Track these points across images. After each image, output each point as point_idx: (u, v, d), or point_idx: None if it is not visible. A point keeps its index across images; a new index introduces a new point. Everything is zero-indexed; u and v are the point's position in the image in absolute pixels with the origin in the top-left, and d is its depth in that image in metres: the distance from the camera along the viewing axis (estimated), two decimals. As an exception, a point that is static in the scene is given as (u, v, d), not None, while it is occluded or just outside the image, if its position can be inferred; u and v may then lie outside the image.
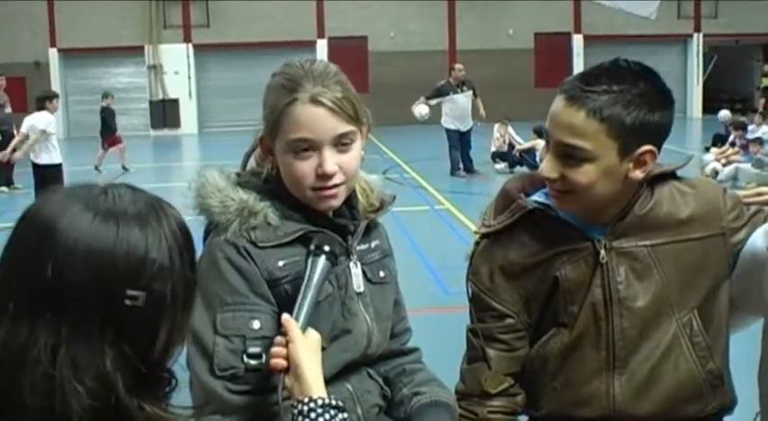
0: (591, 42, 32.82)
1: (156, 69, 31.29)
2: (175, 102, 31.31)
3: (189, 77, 31.33)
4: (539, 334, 2.26)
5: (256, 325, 2.01)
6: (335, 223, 2.16)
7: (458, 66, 18.83)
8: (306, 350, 1.85)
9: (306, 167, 2.05)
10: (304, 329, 1.90)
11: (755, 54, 35.46)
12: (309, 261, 1.99)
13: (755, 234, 2.17)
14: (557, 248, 2.19)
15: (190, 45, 31.32)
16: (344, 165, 2.07)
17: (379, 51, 31.42)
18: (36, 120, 13.04)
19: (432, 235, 11.95)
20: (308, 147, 2.04)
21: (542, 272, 2.21)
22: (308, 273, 1.97)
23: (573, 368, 2.22)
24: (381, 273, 2.27)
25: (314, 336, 1.91)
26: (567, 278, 2.18)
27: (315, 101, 2.02)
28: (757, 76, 30.69)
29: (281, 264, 2.06)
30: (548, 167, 2.10)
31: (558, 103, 2.09)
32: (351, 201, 2.22)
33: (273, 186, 2.14)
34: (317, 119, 2.03)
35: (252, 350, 1.99)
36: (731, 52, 33.66)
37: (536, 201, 2.23)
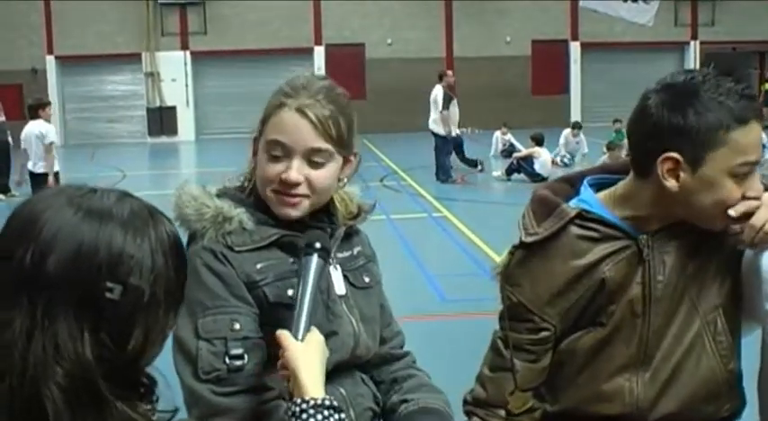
0: (588, 50, 32.88)
1: (153, 76, 31.27)
2: (173, 109, 31.30)
3: (186, 85, 31.32)
4: (572, 332, 2.24)
5: (237, 326, 2.06)
6: (312, 227, 2.19)
7: (449, 72, 18.91)
8: (302, 354, 1.87)
9: (273, 169, 2.13)
10: (307, 331, 1.92)
11: (752, 61, 35.52)
12: (302, 261, 2.01)
13: None
14: (602, 251, 2.17)
15: (187, 52, 31.33)
16: (313, 180, 2.14)
17: (377, 58, 31.42)
18: (38, 131, 12.90)
19: (429, 242, 11.95)
20: (282, 151, 2.12)
21: (587, 278, 2.18)
22: (302, 274, 1.99)
23: (599, 364, 2.22)
24: (366, 279, 2.32)
25: (315, 339, 1.93)
26: (612, 280, 2.17)
27: (300, 110, 2.12)
28: (755, 83, 30.69)
29: (258, 266, 2.12)
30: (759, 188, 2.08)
31: (756, 130, 2.05)
32: (329, 208, 2.28)
33: (250, 193, 2.23)
34: (295, 127, 2.12)
35: (234, 351, 2.04)
36: (728, 59, 33.63)
37: (577, 205, 2.22)
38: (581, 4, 27.66)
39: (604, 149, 18.99)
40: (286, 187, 2.13)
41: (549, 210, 2.22)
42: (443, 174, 17.95)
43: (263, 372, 2.07)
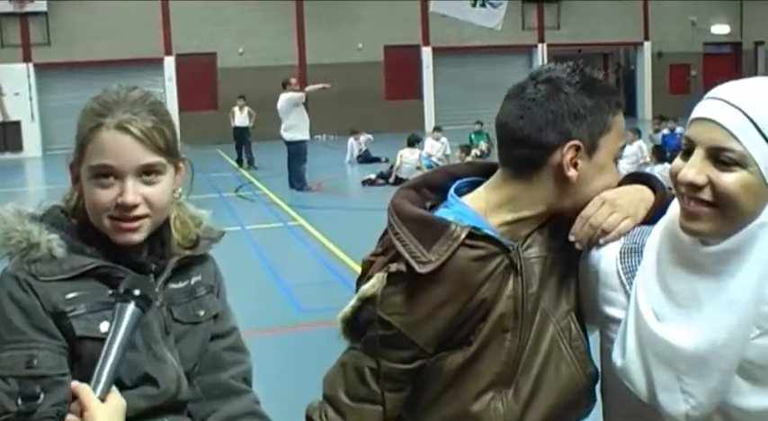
0: (440, 54, 33.45)
1: (-6, 91, 30.17)
2: (17, 124, 30.27)
3: (30, 98, 30.33)
4: (438, 352, 2.08)
5: (35, 362, 1.88)
6: (133, 260, 2.02)
7: (293, 80, 18.85)
8: (102, 416, 1.67)
9: (106, 196, 1.96)
10: (108, 390, 1.71)
11: (597, 62, 36.67)
12: (117, 308, 1.79)
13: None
14: (488, 270, 2.02)
15: (30, 64, 30.33)
16: (150, 198, 1.99)
17: (228, 67, 31.14)
18: None
19: (285, 252, 11.81)
20: (111, 174, 1.96)
21: (474, 301, 2.03)
22: (114, 325, 1.77)
23: (466, 383, 2.08)
24: (199, 312, 2.14)
25: (116, 402, 1.73)
26: (489, 297, 2.03)
27: (121, 128, 1.96)
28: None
29: (68, 297, 1.94)
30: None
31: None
32: (162, 236, 2.10)
33: (72, 218, 2.05)
34: (121, 146, 1.95)
35: (28, 391, 1.85)
36: (574, 61, 34.64)
37: (464, 223, 2.03)
38: (431, 9, 27.96)
39: (457, 153, 19.27)
40: (124, 211, 1.95)
41: (437, 233, 2.01)
42: (298, 181, 17.92)
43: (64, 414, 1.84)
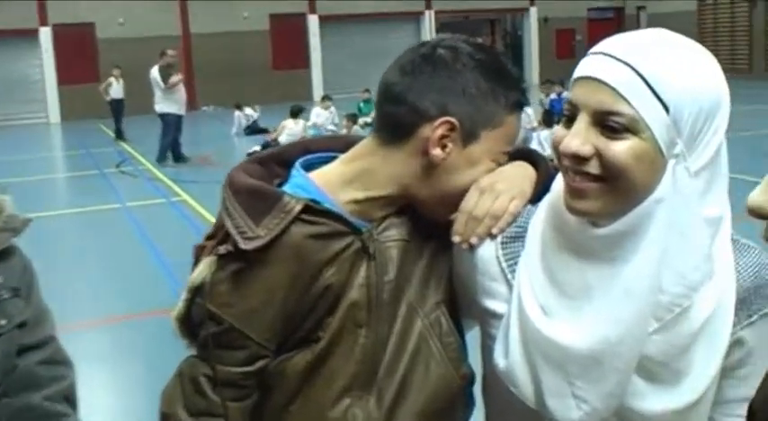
0: (327, 22, 33.25)
1: None
2: None
3: None
4: (281, 351, 1.81)
5: None
6: None
7: (170, 52, 18.38)
8: None
9: None
10: None
11: (484, 28, 36.93)
12: None
13: None
14: (330, 251, 1.76)
15: None
16: None
17: (108, 38, 30.22)
18: None
19: (167, 229, 11.46)
20: None
21: (315, 287, 1.76)
22: None
23: (317, 388, 1.81)
24: (1, 321, 1.81)
25: None
26: (337, 285, 1.77)
27: None
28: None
29: None
30: None
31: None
32: None
33: None
34: None
35: None
36: (461, 27, 34.85)
37: (302, 196, 1.77)
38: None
39: (344, 122, 19.08)
40: None
41: (269, 205, 1.75)
42: (175, 154, 17.60)
43: None
